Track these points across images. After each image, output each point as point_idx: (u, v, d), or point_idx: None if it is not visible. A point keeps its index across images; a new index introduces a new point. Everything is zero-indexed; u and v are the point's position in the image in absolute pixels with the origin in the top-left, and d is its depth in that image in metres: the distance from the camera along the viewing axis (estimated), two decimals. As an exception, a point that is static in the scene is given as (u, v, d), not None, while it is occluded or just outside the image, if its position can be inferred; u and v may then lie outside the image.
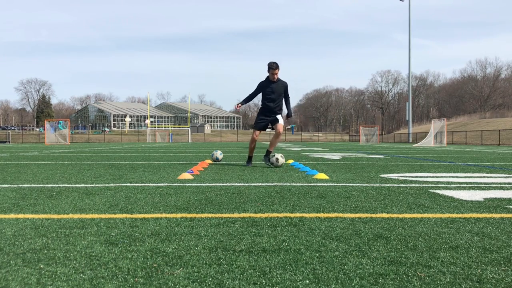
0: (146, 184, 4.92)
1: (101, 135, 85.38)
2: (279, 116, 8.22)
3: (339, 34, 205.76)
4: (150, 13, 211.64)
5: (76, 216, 3.00)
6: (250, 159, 8.29)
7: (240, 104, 8.48)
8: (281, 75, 8.27)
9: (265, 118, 8.21)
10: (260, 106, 8.36)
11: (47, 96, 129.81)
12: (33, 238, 2.36)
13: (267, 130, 8.69)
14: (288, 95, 8.27)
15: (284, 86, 8.15)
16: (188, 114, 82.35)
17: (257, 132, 8.27)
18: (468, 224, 2.75)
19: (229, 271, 1.81)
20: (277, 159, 7.78)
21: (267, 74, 8.14)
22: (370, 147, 28.64)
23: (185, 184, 4.92)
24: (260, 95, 8.36)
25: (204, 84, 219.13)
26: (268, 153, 8.14)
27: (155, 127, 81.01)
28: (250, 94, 8.35)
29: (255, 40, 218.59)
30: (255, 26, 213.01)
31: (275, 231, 2.53)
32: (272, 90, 8.06)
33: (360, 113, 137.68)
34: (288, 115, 8.64)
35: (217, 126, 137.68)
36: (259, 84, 8.20)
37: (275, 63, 7.93)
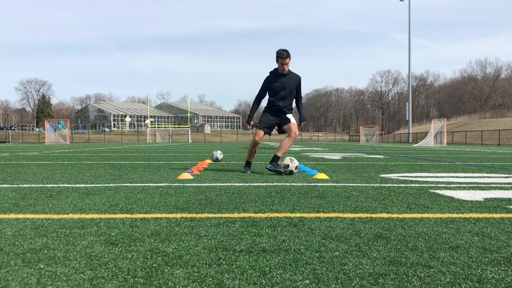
0: (146, 184, 4.92)
1: (101, 135, 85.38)
2: (290, 116, 6.67)
3: (339, 34, 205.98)
4: (150, 13, 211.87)
5: (76, 216, 3.00)
6: (249, 164, 6.71)
7: (250, 123, 6.92)
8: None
9: (274, 118, 6.68)
10: (266, 106, 6.77)
11: (47, 96, 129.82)
12: (33, 238, 2.36)
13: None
14: (300, 92, 6.74)
15: (297, 80, 6.58)
16: (188, 114, 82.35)
17: (261, 133, 6.67)
18: (468, 224, 2.75)
19: (229, 271, 1.81)
20: (286, 165, 6.19)
21: (275, 66, 6.56)
22: (370, 147, 28.64)
23: (185, 184, 4.92)
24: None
25: (204, 84, 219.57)
26: (275, 158, 6.44)
27: (155, 127, 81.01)
28: (256, 97, 6.77)
29: (255, 40, 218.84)
30: (255, 26, 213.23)
31: (275, 231, 2.53)
32: (282, 85, 6.49)
33: (360, 113, 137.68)
34: (302, 119, 7.01)
35: (217, 126, 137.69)
36: (265, 80, 6.61)
37: (285, 50, 6.35)
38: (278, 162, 6.44)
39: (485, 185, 4.91)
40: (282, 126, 6.69)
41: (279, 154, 6.46)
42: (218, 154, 9.65)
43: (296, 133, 6.60)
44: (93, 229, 2.59)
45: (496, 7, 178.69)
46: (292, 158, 6.31)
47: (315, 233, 2.48)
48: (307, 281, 1.69)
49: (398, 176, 6.03)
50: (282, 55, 6.32)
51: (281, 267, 1.86)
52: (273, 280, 1.70)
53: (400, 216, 3.03)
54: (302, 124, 6.87)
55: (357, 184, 4.98)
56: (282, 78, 6.50)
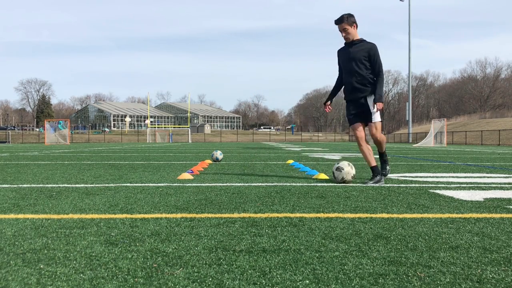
0: (146, 184, 4.92)
1: (101, 135, 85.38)
2: (370, 101, 5.25)
3: (339, 34, 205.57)
4: (150, 13, 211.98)
5: (76, 216, 3.00)
6: (376, 171, 5.21)
7: (326, 104, 5.71)
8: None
9: (353, 104, 5.38)
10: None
11: (47, 96, 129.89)
12: (33, 238, 2.36)
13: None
14: (376, 63, 5.21)
15: (367, 49, 5.21)
16: (188, 114, 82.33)
17: (358, 125, 5.38)
18: (468, 224, 2.75)
19: (229, 271, 1.81)
20: (338, 168, 5.16)
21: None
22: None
23: (185, 184, 4.92)
24: None
25: (204, 84, 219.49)
26: (384, 162, 5.57)
27: (155, 127, 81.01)
28: (339, 76, 5.63)
29: (255, 40, 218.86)
30: (255, 26, 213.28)
31: (275, 231, 2.53)
32: (348, 56, 5.29)
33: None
34: (375, 99, 5.19)
35: (217, 126, 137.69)
36: (338, 53, 5.57)
37: (341, 15, 5.29)
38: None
39: (485, 185, 4.91)
40: (365, 121, 5.37)
41: (383, 149, 5.55)
42: (218, 154, 9.66)
43: (375, 135, 5.39)
44: (93, 229, 2.59)
45: (496, 7, 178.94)
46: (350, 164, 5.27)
47: (315, 233, 2.48)
48: (307, 281, 1.69)
49: (398, 176, 6.03)
50: (336, 22, 5.31)
51: (281, 267, 1.86)
52: (273, 280, 1.70)
53: (400, 216, 3.03)
54: (378, 106, 5.17)
55: (357, 184, 4.98)
56: (348, 48, 5.34)
